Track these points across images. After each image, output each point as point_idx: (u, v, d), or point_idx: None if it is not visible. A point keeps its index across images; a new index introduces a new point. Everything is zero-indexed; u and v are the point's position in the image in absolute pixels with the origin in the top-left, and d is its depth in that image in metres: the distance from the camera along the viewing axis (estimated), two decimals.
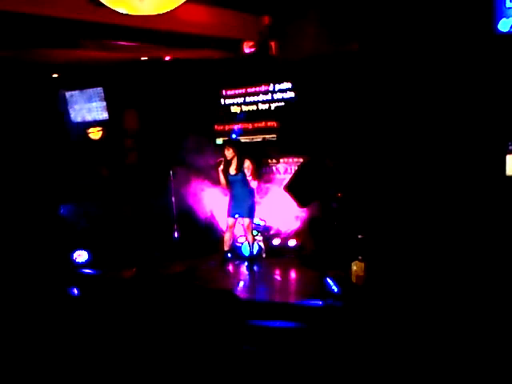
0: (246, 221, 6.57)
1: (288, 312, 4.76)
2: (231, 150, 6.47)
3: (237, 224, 6.76)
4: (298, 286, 6.09)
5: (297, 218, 7.03)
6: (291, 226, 7.08)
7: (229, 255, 6.77)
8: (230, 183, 6.55)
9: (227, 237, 6.73)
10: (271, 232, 7.17)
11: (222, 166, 6.49)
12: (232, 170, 6.50)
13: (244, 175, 6.48)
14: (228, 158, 6.48)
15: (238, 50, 6.77)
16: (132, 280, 6.10)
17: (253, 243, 6.70)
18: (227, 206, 6.67)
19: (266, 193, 7.13)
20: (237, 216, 6.58)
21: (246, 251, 6.88)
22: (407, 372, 3.22)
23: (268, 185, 7.18)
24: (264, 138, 7.46)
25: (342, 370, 3.27)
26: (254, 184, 6.55)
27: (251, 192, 6.57)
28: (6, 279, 5.68)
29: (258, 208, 6.83)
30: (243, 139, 7.54)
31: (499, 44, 5.21)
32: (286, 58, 6.90)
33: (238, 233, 7.01)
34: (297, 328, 4.12)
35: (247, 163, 6.48)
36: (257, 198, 6.73)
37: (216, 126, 7.78)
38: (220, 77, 7.57)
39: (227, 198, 6.70)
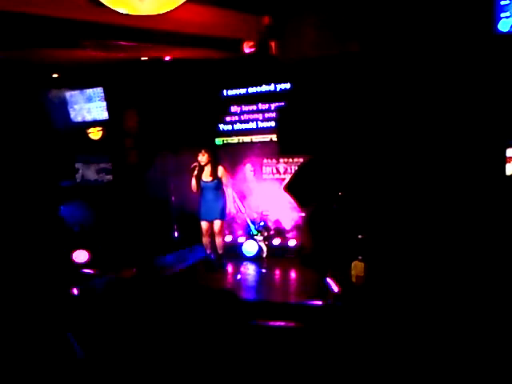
0: (217, 223, 6.45)
1: (288, 312, 4.76)
2: (206, 156, 6.32)
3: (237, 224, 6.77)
4: (298, 285, 6.09)
5: (296, 217, 7.05)
6: (291, 226, 7.09)
7: (212, 257, 6.61)
8: (202, 189, 6.40)
9: (205, 241, 6.57)
10: (271, 232, 7.18)
11: (195, 172, 6.33)
12: (205, 177, 6.34)
13: (218, 183, 6.36)
14: (202, 164, 6.32)
15: (238, 50, 6.76)
16: (132, 280, 6.10)
17: (223, 246, 6.60)
18: (199, 210, 6.52)
19: (265, 192, 7.15)
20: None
21: (246, 252, 6.89)
22: (407, 372, 3.22)
23: (267, 184, 7.21)
24: (265, 138, 7.47)
25: (342, 370, 3.27)
26: (229, 191, 6.46)
27: (222, 196, 6.44)
28: (6, 279, 5.68)
29: (258, 208, 6.84)
30: (243, 139, 7.55)
31: (499, 44, 5.21)
32: (285, 58, 6.90)
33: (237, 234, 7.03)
34: (297, 328, 4.12)
35: (221, 170, 6.37)
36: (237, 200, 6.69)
37: (216, 127, 7.79)
38: (220, 77, 7.57)
39: (199, 202, 6.53)
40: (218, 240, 6.55)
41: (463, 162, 5.50)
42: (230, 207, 6.58)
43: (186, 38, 6.10)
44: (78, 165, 8.31)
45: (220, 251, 6.60)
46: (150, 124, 8.02)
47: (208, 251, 6.64)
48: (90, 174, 8.31)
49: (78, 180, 8.27)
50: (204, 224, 6.54)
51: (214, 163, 6.38)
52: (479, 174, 5.39)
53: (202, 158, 6.33)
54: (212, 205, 6.41)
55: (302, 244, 6.92)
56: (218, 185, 6.37)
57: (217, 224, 6.46)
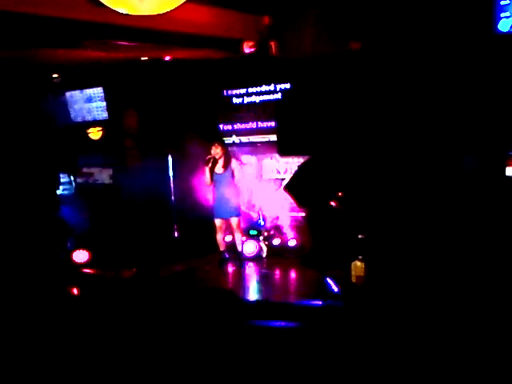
0: (234, 220, 6.54)
1: (288, 312, 4.76)
2: (220, 148, 6.46)
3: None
4: (298, 285, 6.10)
5: (296, 217, 7.06)
6: (291, 225, 7.09)
7: (226, 255, 6.74)
8: (216, 182, 6.49)
9: (219, 237, 6.68)
10: (271, 232, 7.18)
11: (210, 164, 6.44)
12: (219, 169, 6.45)
13: (230, 174, 6.46)
14: (216, 157, 6.45)
15: (238, 50, 6.77)
16: (132, 280, 6.10)
17: (243, 242, 6.69)
18: (213, 207, 6.61)
19: (265, 192, 7.15)
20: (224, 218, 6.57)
21: (246, 251, 6.88)
22: (407, 372, 3.21)
23: (267, 184, 7.21)
24: (265, 138, 7.47)
25: (342, 370, 3.27)
26: (238, 182, 6.51)
27: (236, 191, 6.53)
28: (6, 279, 5.68)
29: (257, 208, 6.84)
30: (243, 139, 7.55)
31: (499, 44, 5.21)
32: (285, 58, 6.89)
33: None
34: (297, 328, 4.11)
35: (234, 162, 6.50)
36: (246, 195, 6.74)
37: (216, 126, 7.79)
38: (220, 77, 7.57)
39: (212, 198, 6.64)
40: (238, 237, 6.63)
41: (463, 161, 5.50)
42: (243, 201, 6.62)
43: (186, 38, 6.10)
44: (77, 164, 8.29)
45: (239, 248, 6.67)
46: (150, 124, 8.01)
47: (221, 248, 6.70)
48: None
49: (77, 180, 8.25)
50: (218, 221, 6.59)
51: (227, 155, 6.51)
52: (479, 174, 5.39)
53: (216, 150, 6.45)
54: (226, 201, 6.45)
55: (302, 244, 6.92)
56: (230, 177, 6.45)
57: (234, 221, 6.55)
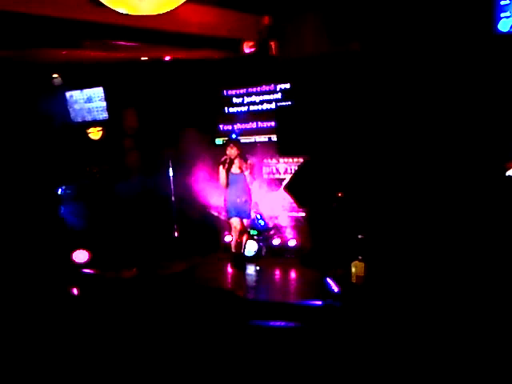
0: (244, 221, 6.54)
1: (288, 312, 4.76)
2: (235, 149, 6.40)
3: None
4: (298, 286, 6.10)
5: (296, 217, 7.06)
6: (290, 225, 7.10)
7: (243, 255, 6.64)
8: (231, 183, 6.44)
9: (233, 238, 6.61)
10: (271, 232, 7.18)
11: (226, 166, 6.38)
12: (235, 169, 6.40)
13: (245, 176, 6.44)
14: (232, 157, 6.40)
15: (238, 49, 6.77)
16: (132, 280, 6.11)
17: (245, 243, 6.68)
18: (226, 208, 6.56)
19: (265, 192, 7.15)
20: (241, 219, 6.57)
21: (246, 251, 6.88)
22: (407, 372, 3.22)
23: (267, 184, 7.21)
24: (265, 138, 7.47)
25: (342, 370, 3.27)
26: (252, 182, 6.50)
27: (248, 192, 6.51)
28: (7, 279, 5.68)
29: (257, 208, 6.85)
30: (243, 139, 7.55)
31: (499, 44, 5.21)
32: (285, 58, 6.90)
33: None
34: (297, 328, 4.12)
35: (249, 162, 6.46)
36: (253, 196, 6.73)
37: (216, 126, 7.80)
38: (220, 77, 7.57)
39: (224, 199, 6.58)
40: (244, 238, 6.58)
41: (463, 162, 5.50)
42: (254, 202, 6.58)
43: (186, 38, 6.10)
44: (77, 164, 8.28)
45: (243, 250, 6.63)
46: (149, 124, 8.01)
47: (233, 249, 6.61)
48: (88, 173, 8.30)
49: (77, 179, 8.23)
50: (236, 221, 6.49)
51: (243, 155, 6.45)
52: (479, 173, 5.39)
53: (231, 151, 6.38)
54: (242, 202, 6.42)
55: (302, 244, 6.91)
56: (245, 178, 6.42)
57: (245, 222, 6.53)
